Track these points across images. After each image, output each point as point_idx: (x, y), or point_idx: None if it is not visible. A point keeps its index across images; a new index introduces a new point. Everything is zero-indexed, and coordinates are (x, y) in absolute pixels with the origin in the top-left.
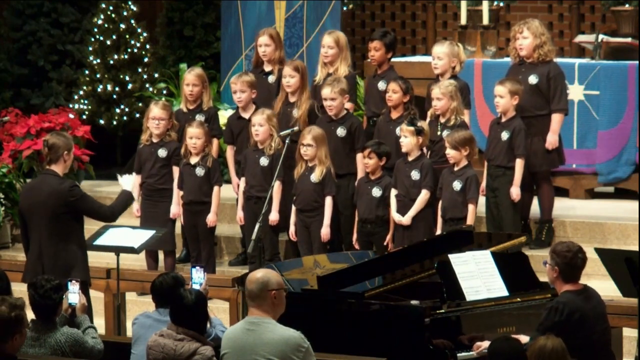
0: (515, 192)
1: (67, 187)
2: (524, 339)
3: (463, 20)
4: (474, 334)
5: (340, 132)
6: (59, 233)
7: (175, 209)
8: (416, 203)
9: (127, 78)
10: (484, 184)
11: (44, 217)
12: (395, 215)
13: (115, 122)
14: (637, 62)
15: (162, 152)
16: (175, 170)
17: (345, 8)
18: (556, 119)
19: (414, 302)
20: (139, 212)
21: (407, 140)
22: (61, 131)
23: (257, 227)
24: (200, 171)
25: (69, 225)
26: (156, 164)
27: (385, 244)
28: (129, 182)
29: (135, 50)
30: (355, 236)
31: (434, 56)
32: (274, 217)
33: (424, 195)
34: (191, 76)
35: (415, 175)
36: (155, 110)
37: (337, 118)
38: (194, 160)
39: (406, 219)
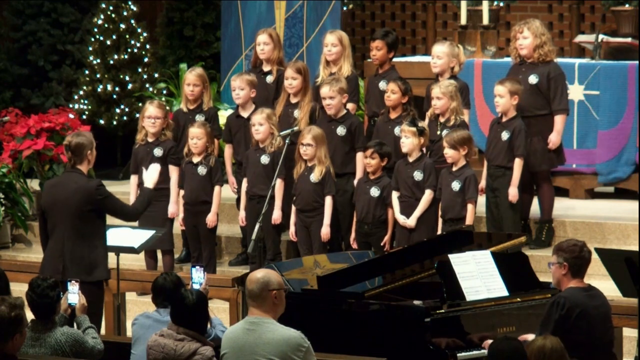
0: (512, 192)
1: (94, 186)
2: (530, 337)
3: (463, 20)
4: (482, 333)
5: (340, 131)
6: (82, 231)
7: (173, 208)
8: (420, 204)
9: (127, 78)
10: (482, 184)
11: (69, 215)
12: (399, 217)
13: (115, 122)
14: (637, 62)
15: (158, 152)
16: (173, 170)
17: (345, 8)
18: (558, 119)
19: (414, 302)
20: None
21: (409, 140)
22: (81, 131)
23: (257, 227)
24: (202, 170)
25: (92, 224)
26: (152, 163)
27: (382, 244)
28: (151, 177)
29: (135, 50)
30: (353, 235)
31: (433, 55)
32: (276, 215)
33: (428, 195)
34: (192, 76)
35: (418, 175)
36: (151, 109)
37: (337, 117)
38: (196, 159)
39: (411, 221)
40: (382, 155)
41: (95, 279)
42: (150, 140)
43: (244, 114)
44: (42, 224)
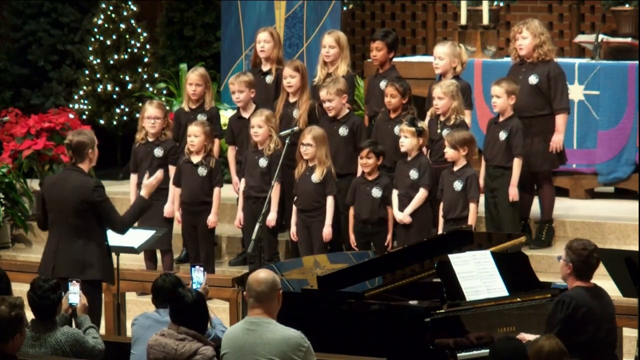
0: (512, 192)
1: (92, 186)
2: (528, 337)
3: (463, 20)
4: (479, 333)
5: (343, 131)
6: (78, 229)
7: (170, 207)
8: (413, 200)
9: (127, 78)
10: (480, 183)
11: (66, 213)
12: (397, 214)
13: (115, 122)
14: (637, 62)
15: (158, 152)
16: (172, 170)
17: (345, 8)
18: (560, 119)
19: (414, 302)
20: None
21: (408, 140)
22: (82, 129)
23: (257, 227)
24: (202, 171)
25: (89, 223)
26: (153, 163)
27: (386, 244)
28: (149, 185)
29: (135, 50)
30: (352, 237)
31: (435, 56)
32: (271, 217)
33: (421, 193)
34: (194, 76)
35: (413, 174)
36: (150, 110)
37: (339, 118)
38: (196, 159)
39: (403, 216)
40: (378, 154)
41: (88, 277)
42: (150, 140)
43: (246, 114)
44: (42, 212)
